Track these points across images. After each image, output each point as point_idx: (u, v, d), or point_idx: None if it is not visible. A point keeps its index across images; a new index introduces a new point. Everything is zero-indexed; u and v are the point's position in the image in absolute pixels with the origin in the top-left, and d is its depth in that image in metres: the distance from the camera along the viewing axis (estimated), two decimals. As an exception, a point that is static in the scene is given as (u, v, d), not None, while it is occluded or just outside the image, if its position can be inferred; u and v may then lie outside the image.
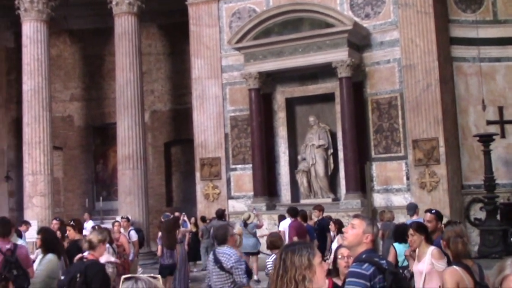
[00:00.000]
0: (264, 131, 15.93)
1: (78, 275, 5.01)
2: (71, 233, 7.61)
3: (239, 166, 16.73)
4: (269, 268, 7.57)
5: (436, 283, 5.42)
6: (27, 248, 6.45)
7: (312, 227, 11.39)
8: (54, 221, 9.54)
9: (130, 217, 13.81)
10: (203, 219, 15.59)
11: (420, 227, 5.77)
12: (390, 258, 7.12)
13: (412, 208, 10.77)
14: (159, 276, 2.40)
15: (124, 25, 17.60)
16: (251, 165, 16.11)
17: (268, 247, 7.77)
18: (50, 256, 6.29)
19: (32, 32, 17.42)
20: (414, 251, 5.93)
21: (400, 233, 7.37)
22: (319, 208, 12.14)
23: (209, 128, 16.83)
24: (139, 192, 17.00)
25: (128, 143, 17.15)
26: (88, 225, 14.41)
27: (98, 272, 5.30)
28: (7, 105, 21.98)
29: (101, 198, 20.60)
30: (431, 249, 5.60)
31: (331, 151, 15.86)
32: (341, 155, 15.45)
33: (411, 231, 5.75)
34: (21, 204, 18.15)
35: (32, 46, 17.43)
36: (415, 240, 5.71)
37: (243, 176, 16.61)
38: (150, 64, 21.72)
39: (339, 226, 9.80)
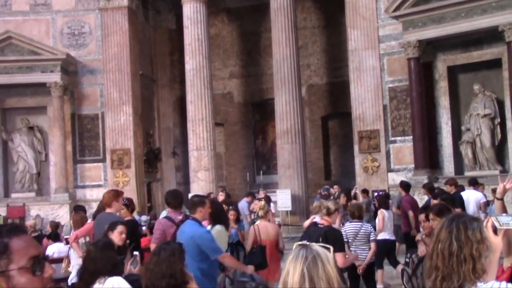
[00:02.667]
0: (425, 102, 15.32)
1: (320, 239, 5.36)
2: (124, 212, 7.68)
3: (399, 138, 16.25)
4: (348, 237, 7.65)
5: None
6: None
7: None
8: (220, 193, 9.89)
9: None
10: (365, 191, 15.37)
11: (442, 210, 5.08)
12: None
13: None
14: (330, 247, 2.35)
15: (279, 0, 17.68)
16: (411, 137, 15.59)
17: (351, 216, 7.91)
18: (218, 227, 6.52)
19: (192, 13, 18.10)
20: (428, 235, 5.33)
21: None
22: (451, 182, 11.40)
23: (367, 100, 16.49)
24: (298, 166, 17.15)
25: (286, 118, 17.33)
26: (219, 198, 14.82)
27: (338, 236, 5.83)
28: (171, 85, 23.21)
29: (261, 172, 21.17)
30: None
31: (498, 120, 14.87)
32: (509, 124, 14.46)
33: (431, 215, 5.13)
34: (187, 178, 19.13)
35: (193, 27, 18.10)
36: (436, 225, 5.09)
37: (403, 148, 16.12)
38: (306, 38, 21.72)
39: None
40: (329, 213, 6.09)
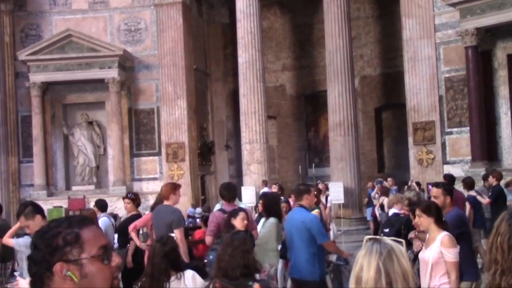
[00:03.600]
0: (483, 91, 14.92)
1: (402, 227, 5.48)
2: (129, 206, 7.73)
3: (455, 129, 15.91)
4: None
5: (444, 275, 4.69)
6: (251, 211, 6.82)
7: (473, 196, 10.28)
8: (274, 186, 9.94)
9: None
10: (417, 184, 15.16)
11: (429, 208, 4.95)
12: None
13: None
14: (403, 240, 2.33)
15: (331, -9, 17.53)
16: (468, 128, 15.24)
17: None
18: (272, 220, 6.61)
19: (245, 6, 18.16)
20: (423, 231, 5.16)
21: None
22: (494, 174, 10.99)
23: (422, 91, 16.21)
24: (350, 158, 17.05)
25: (338, 110, 17.24)
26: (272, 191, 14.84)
27: None
28: (224, 78, 23.38)
29: (313, 165, 21.13)
30: (442, 235, 4.73)
31: (561, 110, 14.33)
32: None
33: (417, 212, 4.98)
34: (240, 171, 19.28)
35: (246, 20, 18.15)
36: (421, 222, 4.95)
37: (460, 140, 15.78)
38: (359, 29, 21.50)
39: None
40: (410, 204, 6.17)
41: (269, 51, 22.60)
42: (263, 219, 6.82)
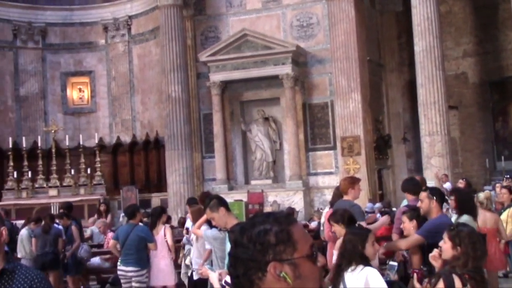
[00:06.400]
0: None
1: None
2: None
3: None
4: None
5: None
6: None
7: None
8: (460, 181, 9.36)
9: None
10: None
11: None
12: None
13: None
14: None
15: (519, -33, 16.06)
16: None
17: None
18: (465, 217, 6.06)
19: (420, -8, 17.36)
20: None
21: None
22: None
23: None
24: (546, 150, 15.49)
25: (530, 97, 15.77)
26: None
27: None
28: (399, 69, 22.67)
29: (502, 158, 19.64)
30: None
31: None
32: None
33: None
34: (419, 165, 18.48)
35: (421, 6, 17.35)
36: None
37: None
38: (552, 6, 19.54)
39: None
40: None
41: (448, 37, 21.43)
42: (454, 216, 6.30)
